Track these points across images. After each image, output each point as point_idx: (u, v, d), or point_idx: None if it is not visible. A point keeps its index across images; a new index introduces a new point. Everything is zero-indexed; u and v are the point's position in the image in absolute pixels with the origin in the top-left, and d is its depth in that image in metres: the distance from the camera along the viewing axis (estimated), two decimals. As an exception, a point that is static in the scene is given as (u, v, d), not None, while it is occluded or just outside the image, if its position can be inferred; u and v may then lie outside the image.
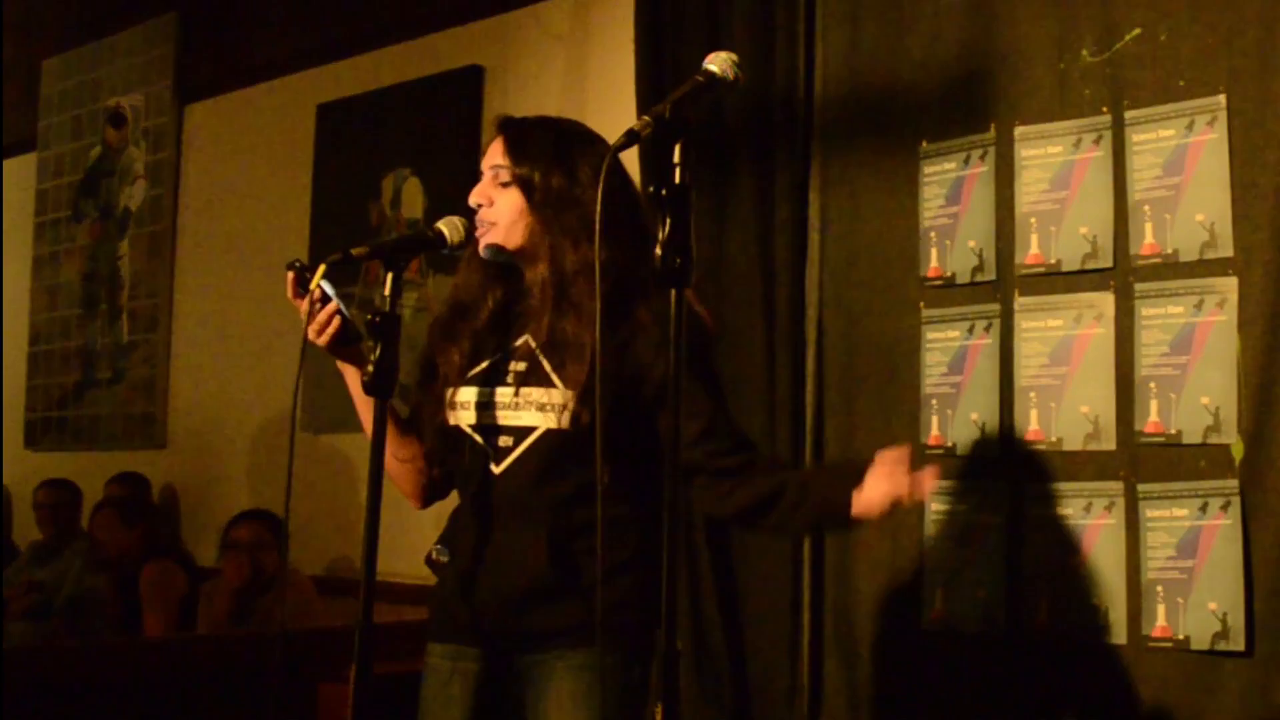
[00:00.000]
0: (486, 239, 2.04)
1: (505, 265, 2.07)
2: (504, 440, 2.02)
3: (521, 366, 2.02)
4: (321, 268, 1.94)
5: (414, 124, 4.31)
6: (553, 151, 2.02)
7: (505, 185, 2.03)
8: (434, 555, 2.11)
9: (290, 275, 1.96)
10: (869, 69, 3.04)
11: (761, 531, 2.68)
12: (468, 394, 2.05)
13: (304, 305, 1.98)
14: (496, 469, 2.02)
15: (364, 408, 2.09)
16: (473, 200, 2.06)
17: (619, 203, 1.91)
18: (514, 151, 2.04)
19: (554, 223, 1.99)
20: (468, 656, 2.05)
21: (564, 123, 2.13)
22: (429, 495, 2.20)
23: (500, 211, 2.03)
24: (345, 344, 2.01)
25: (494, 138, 2.10)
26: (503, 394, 2.02)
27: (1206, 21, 2.56)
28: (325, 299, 1.97)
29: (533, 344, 2.01)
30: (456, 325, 2.09)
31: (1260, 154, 2.49)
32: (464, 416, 2.05)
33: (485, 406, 2.03)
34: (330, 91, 4.65)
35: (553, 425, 1.96)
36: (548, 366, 1.99)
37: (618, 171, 1.93)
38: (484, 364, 2.05)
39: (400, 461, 2.14)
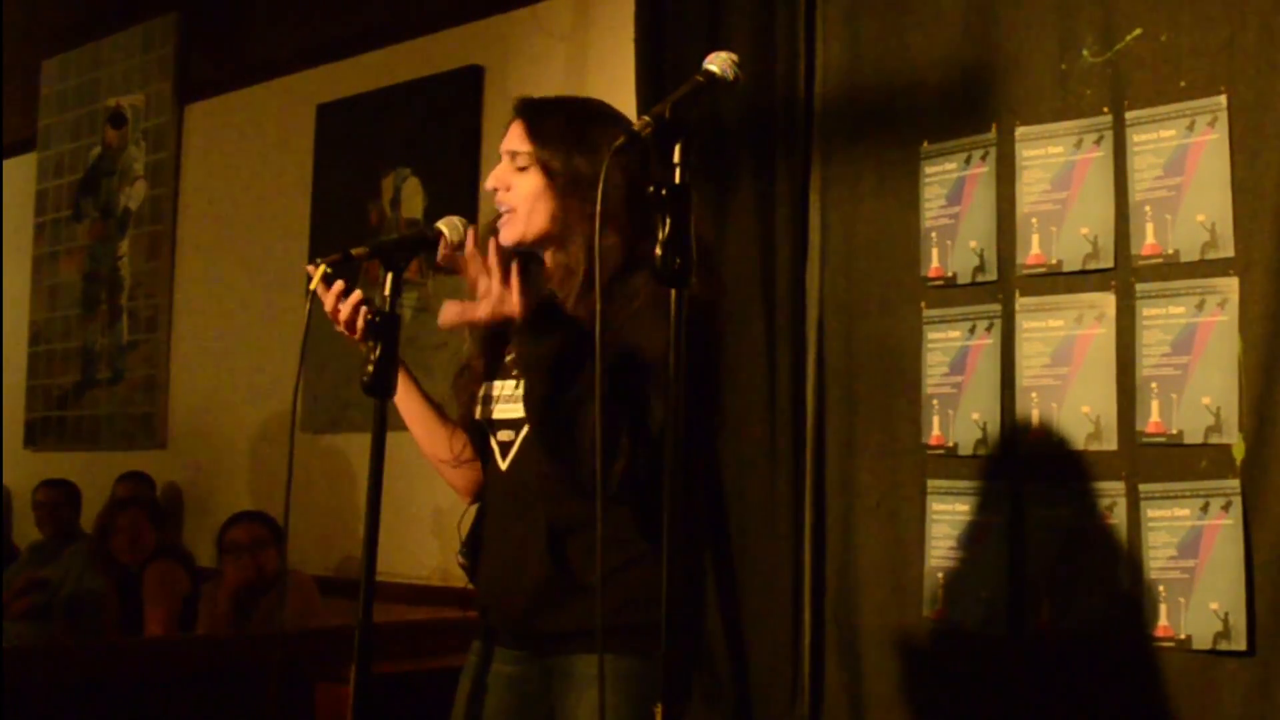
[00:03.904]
0: (508, 231, 1.99)
1: (525, 254, 2.04)
2: (505, 435, 2.00)
3: None
4: (322, 268, 1.94)
5: (414, 124, 4.31)
6: (574, 133, 1.97)
7: (523, 169, 1.98)
8: (459, 560, 2.10)
9: (317, 278, 1.95)
10: (870, 69, 3.04)
11: None
12: (488, 389, 2.04)
13: (327, 302, 1.97)
14: (502, 465, 2.01)
15: (404, 404, 2.10)
16: (489, 184, 2.01)
17: (634, 188, 1.88)
18: (535, 134, 1.98)
19: (571, 205, 1.93)
20: (498, 657, 2.03)
21: (584, 102, 2.08)
22: (480, 491, 2.15)
23: (519, 196, 1.98)
24: (379, 336, 1.97)
25: (512, 120, 2.04)
26: (506, 386, 2.00)
27: (1207, 22, 2.56)
28: (346, 293, 1.97)
29: None
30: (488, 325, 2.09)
31: (1261, 154, 2.49)
32: (482, 411, 2.04)
33: (495, 401, 2.01)
34: (330, 91, 4.65)
35: None
36: None
37: (634, 157, 1.89)
38: (505, 358, 2.04)
39: (448, 459, 2.12)
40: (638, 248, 1.89)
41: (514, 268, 1.77)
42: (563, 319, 1.80)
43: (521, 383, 1.96)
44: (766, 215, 3.15)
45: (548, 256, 2.00)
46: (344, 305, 1.97)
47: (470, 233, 1.75)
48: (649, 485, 1.73)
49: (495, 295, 1.77)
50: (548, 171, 1.96)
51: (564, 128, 1.98)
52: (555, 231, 1.97)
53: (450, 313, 1.80)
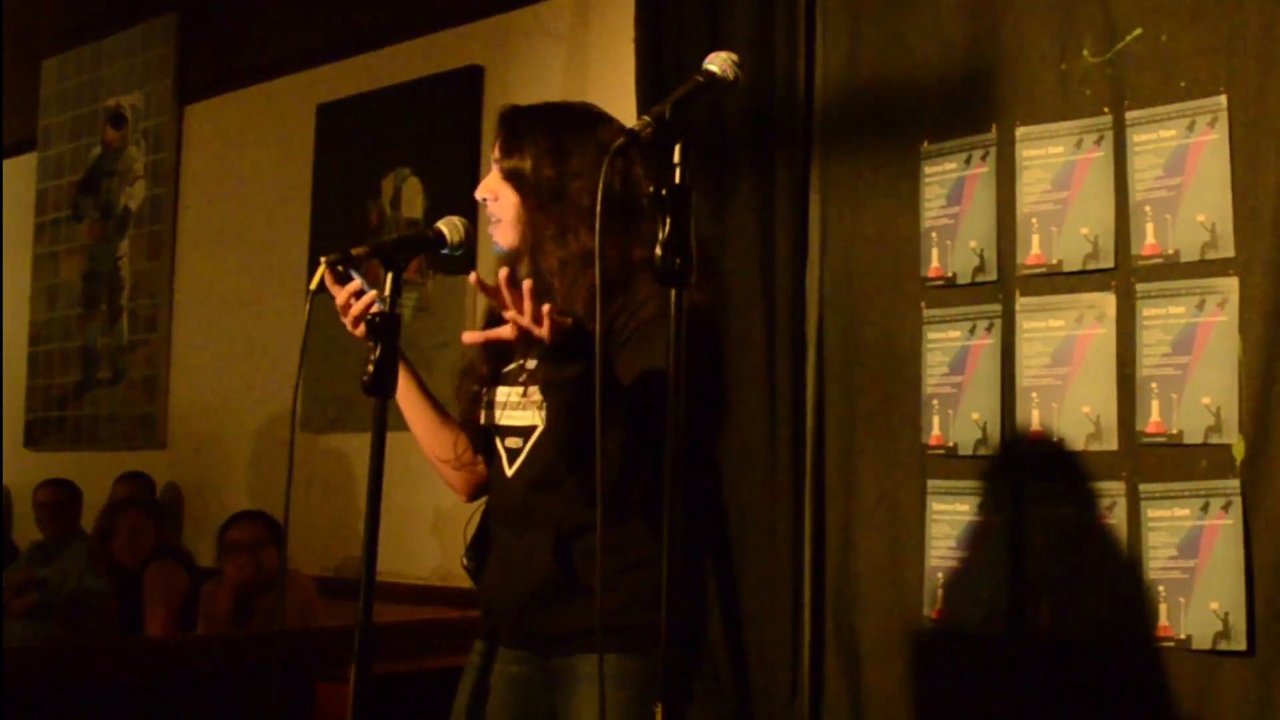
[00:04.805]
0: (494, 239, 2.03)
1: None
2: (513, 441, 2.01)
3: (533, 364, 2.01)
4: (321, 267, 1.94)
5: (414, 124, 4.31)
6: (546, 142, 1.99)
7: (504, 180, 2.01)
8: (464, 562, 2.11)
9: (325, 271, 1.95)
10: (870, 69, 3.04)
11: None
12: (491, 394, 2.05)
13: (340, 297, 1.98)
14: (508, 471, 2.01)
15: (406, 402, 2.11)
16: (479, 194, 2.04)
17: (614, 194, 1.89)
18: (506, 145, 2.02)
19: (539, 216, 1.97)
20: (501, 656, 2.04)
21: (565, 108, 2.08)
22: (478, 491, 2.16)
23: (502, 207, 2.01)
24: (379, 336, 1.98)
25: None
26: (513, 394, 2.01)
27: (1207, 22, 2.56)
28: (361, 292, 1.98)
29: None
30: (489, 326, 2.09)
31: (1261, 154, 2.49)
32: (488, 417, 2.05)
33: (502, 407, 2.02)
34: (330, 91, 4.65)
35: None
36: None
37: (619, 161, 1.90)
38: (511, 365, 2.05)
39: (449, 460, 2.13)
40: (626, 256, 1.91)
41: (542, 304, 1.74)
42: (588, 344, 1.78)
43: (530, 390, 1.97)
44: (766, 215, 3.15)
45: (520, 268, 2.02)
46: (358, 304, 1.97)
47: (503, 273, 1.74)
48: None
49: (525, 322, 1.73)
50: (518, 182, 1.98)
51: (536, 138, 2.00)
52: (529, 242, 1.98)
53: (473, 335, 1.79)
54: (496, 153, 2.04)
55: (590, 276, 1.87)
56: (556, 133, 2.00)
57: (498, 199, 2.02)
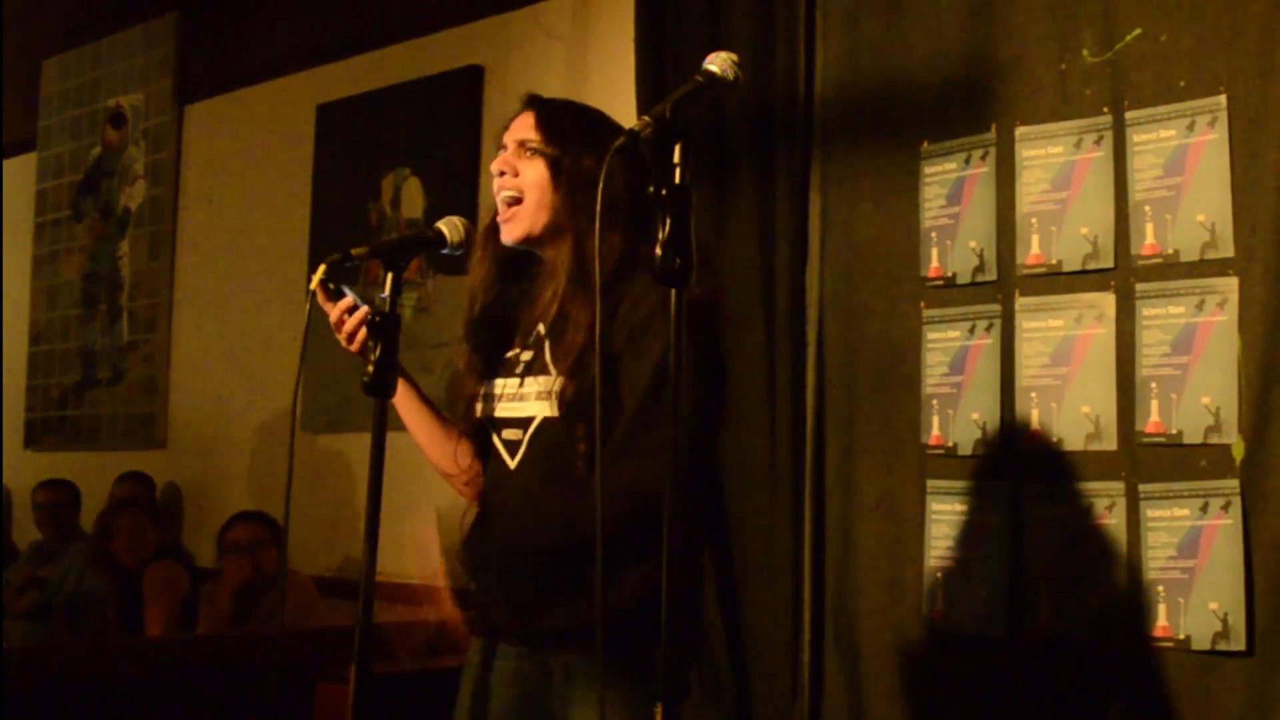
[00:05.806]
0: (515, 225, 1.99)
1: (522, 250, 2.05)
2: (511, 434, 2.00)
3: (528, 355, 2.00)
4: (321, 269, 1.94)
5: (414, 124, 4.31)
6: (584, 133, 1.99)
7: (530, 159, 1.99)
8: (462, 556, 2.11)
9: (317, 288, 1.96)
10: (870, 69, 3.04)
11: None
12: (487, 387, 2.04)
13: (333, 315, 1.98)
14: (510, 463, 2.01)
15: (404, 410, 2.11)
16: (495, 167, 2.01)
17: (634, 189, 1.89)
18: (547, 128, 1.99)
19: (583, 206, 1.95)
20: (500, 654, 2.03)
21: (589, 108, 2.10)
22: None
23: (526, 184, 1.98)
24: (379, 336, 1.98)
25: (519, 112, 2.05)
26: (510, 385, 2.01)
27: (1207, 21, 2.56)
28: (354, 307, 1.98)
29: (541, 330, 2.00)
30: (479, 321, 2.08)
31: (1261, 154, 2.49)
32: (484, 409, 2.04)
33: (499, 399, 2.02)
34: (330, 91, 4.65)
35: (548, 413, 1.94)
36: (548, 352, 1.97)
37: (635, 159, 1.90)
38: (504, 355, 2.05)
39: (455, 473, 2.13)
40: (637, 249, 1.91)
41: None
42: None
43: (526, 380, 1.97)
44: (766, 215, 3.15)
45: (547, 252, 2.01)
46: (350, 320, 1.98)
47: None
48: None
49: None
50: (554, 165, 1.97)
51: (574, 125, 1.99)
52: (556, 227, 1.98)
53: None
54: (530, 133, 2.00)
55: (606, 265, 1.85)
56: (593, 130, 2.00)
57: (518, 174, 2.00)
